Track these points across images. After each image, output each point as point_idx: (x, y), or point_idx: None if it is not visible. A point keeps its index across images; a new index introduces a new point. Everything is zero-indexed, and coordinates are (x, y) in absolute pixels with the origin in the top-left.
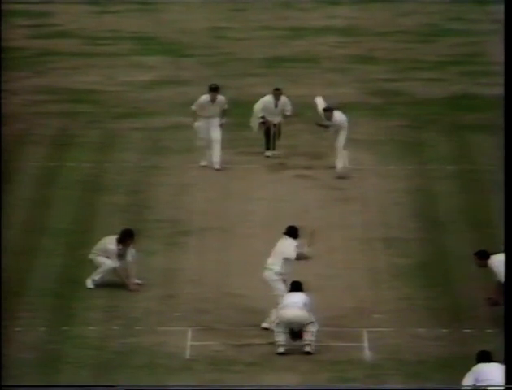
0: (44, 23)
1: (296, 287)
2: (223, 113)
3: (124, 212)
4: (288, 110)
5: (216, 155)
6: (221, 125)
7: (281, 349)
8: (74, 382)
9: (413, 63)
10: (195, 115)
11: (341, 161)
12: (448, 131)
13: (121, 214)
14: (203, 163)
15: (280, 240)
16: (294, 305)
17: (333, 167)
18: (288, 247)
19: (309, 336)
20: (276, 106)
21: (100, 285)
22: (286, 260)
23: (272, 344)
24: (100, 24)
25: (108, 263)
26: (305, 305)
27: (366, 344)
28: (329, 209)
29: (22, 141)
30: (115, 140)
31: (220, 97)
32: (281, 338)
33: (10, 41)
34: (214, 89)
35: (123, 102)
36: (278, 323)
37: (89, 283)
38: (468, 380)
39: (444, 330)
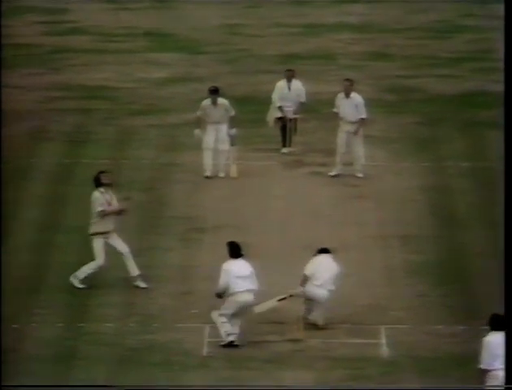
0: (59, 20)
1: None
2: (231, 121)
3: (140, 209)
4: (303, 96)
5: (221, 164)
6: (231, 137)
7: (232, 337)
8: (89, 379)
9: (427, 60)
10: (198, 122)
11: (359, 163)
12: (462, 127)
13: (136, 211)
14: (207, 174)
15: (320, 258)
16: (249, 291)
17: (349, 164)
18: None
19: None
20: (290, 89)
21: (116, 282)
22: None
23: (290, 341)
24: (115, 21)
25: (97, 260)
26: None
27: (384, 340)
28: (344, 206)
29: (37, 138)
30: (131, 136)
31: (222, 101)
32: (228, 327)
33: (25, 38)
34: (213, 92)
35: (139, 99)
36: (222, 314)
37: (76, 283)
38: (486, 355)
39: (461, 327)
